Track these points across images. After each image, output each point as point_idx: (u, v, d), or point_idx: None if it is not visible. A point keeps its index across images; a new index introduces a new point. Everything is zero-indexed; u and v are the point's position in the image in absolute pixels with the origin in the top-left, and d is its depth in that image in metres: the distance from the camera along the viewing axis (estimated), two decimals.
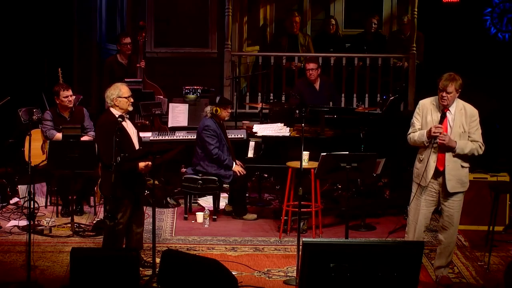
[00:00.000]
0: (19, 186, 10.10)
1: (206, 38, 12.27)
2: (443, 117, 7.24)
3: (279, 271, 7.88)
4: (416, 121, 7.40)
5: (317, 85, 10.75)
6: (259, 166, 9.63)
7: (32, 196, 7.87)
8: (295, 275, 7.60)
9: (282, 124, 9.70)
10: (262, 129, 9.65)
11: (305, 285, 5.29)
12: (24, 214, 9.31)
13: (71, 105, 9.74)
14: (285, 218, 8.92)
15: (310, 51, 12.35)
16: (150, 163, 7.58)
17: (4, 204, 9.87)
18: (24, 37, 12.02)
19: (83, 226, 9.10)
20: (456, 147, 7.22)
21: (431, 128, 7.22)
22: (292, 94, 10.72)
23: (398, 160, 9.86)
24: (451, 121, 7.28)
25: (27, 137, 8.35)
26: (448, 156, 7.29)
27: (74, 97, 9.84)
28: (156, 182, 8.89)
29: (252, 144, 9.50)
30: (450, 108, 7.27)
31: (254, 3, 13.38)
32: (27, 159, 8.13)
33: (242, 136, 10.11)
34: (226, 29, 12.01)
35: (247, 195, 9.97)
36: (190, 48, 12.23)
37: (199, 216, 9.40)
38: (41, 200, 9.94)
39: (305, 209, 8.69)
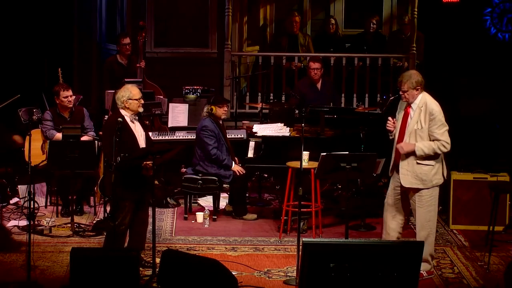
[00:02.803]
0: (19, 186, 10.10)
1: (206, 38, 12.26)
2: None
3: (279, 271, 7.87)
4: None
5: (319, 85, 10.74)
6: (259, 166, 9.62)
7: (32, 196, 7.87)
8: (295, 275, 7.59)
9: (282, 124, 9.69)
10: (262, 129, 9.65)
11: (305, 285, 5.29)
12: (24, 214, 9.31)
13: (71, 105, 9.74)
14: (285, 218, 8.92)
15: (310, 51, 12.34)
16: (150, 163, 7.58)
17: (4, 204, 9.86)
18: (24, 37, 12.01)
19: (83, 226, 9.10)
20: (416, 150, 7.36)
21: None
22: (292, 94, 10.71)
23: None
24: (411, 117, 7.45)
25: (27, 137, 8.34)
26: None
27: (74, 97, 9.84)
28: (156, 182, 8.89)
29: (252, 144, 9.49)
30: (412, 105, 7.45)
31: (254, 3, 13.37)
32: (27, 159, 8.12)
33: (242, 136, 10.10)
34: (226, 29, 12.00)
35: (247, 195, 9.97)
36: (190, 48, 12.22)
37: (199, 216, 9.40)
38: (41, 200, 9.94)
39: (305, 209, 8.68)
